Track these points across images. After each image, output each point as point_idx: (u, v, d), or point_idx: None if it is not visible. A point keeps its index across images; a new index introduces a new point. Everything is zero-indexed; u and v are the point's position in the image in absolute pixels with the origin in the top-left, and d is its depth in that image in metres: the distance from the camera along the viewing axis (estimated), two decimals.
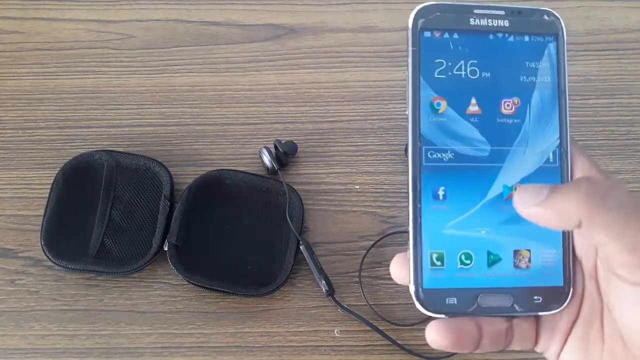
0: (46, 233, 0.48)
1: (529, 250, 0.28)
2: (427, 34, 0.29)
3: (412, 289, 0.28)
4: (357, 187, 0.52)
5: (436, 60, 0.29)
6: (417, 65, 0.28)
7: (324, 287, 0.47)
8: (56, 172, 0.50)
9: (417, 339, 0.47)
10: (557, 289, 0.28)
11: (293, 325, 0.48)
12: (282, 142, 0.51)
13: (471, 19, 0.29)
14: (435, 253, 0.28)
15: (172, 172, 0.51)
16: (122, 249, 0.49)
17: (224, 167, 0.51)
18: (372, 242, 0.50)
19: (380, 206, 0.51)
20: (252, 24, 0.59)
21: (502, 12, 0.29)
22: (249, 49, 0.58)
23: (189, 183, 0.50)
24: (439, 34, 0.29)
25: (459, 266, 0.28)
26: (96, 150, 0.51)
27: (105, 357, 0.47)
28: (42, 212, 0.49)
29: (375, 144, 0.54)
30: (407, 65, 0.28)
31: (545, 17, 0.30)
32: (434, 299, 0.28)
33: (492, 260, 0.28)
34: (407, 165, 0.28)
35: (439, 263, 0.28)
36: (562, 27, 0.30)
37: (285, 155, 0.51)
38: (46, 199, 0.49)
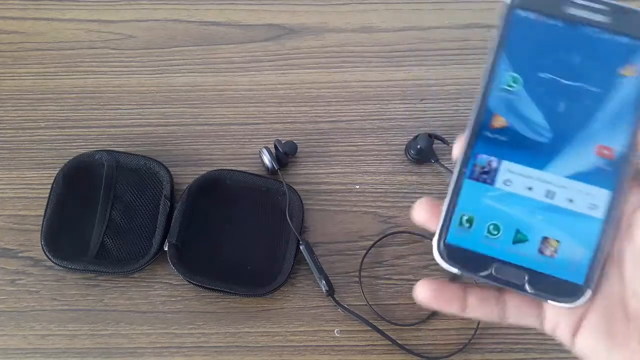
0: (46, 233, 0.48)
1: (558, 241, 0.28)
2: (520, 11, 0.30)
3: (435, 238, 0.29)
4: (357, 187, 0.52)
5: (522, 39, 0.29)
6: (503, 38, 0.29)
7: (324, 287, 0.47)
8: (56, 172, 0.50)
9: (417, 339, 0.47)
10: (576, 286, 0.28)
11: (293, 325, 0.48)
12: (282, 142, 0.51)
13: (569, 8, 0.29)
14: (466, 215, 0.29)
15: (172, 172, 0.51)
16: (122, 249, 0.49)
17: (224, 167, 0.51)
18: (372, 242, 0.50)
19: (380, 206, 0.51)
20: (252, 24, 0.59)
21: (604, 7, 0.28)
22: (249, 49, 0.58)
23: (189, 183, 0.50)
24: (532, 14, 0.29)
25: (485, 234, 0.29)
26: (96, 150, 0.51)
27: (105, 357, 0.47)
28: (42, 212, 0.49)
29: (375, 144, 0.54)
30: (495, 37, 0.29)
31: None
32: (452, 254, 0.29)
33: (519, 238, 0.29)
34: (466, 129, 0.29)
35: (467, 225, 0.29)
36: None
37: (285, 155, 0.51)
38: (46, 199, 0.49)
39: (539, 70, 0.29)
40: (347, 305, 0.47)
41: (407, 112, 0.55)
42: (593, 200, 0.29)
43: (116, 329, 0.47)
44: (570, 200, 0.29)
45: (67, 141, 0.54)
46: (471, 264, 0.29)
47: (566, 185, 0.29)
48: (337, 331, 0.47)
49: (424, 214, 0.29)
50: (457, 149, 0.29)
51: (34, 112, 0.55)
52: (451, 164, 0.53)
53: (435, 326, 0.47)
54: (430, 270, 0.49)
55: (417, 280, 0.52)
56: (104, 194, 0.50)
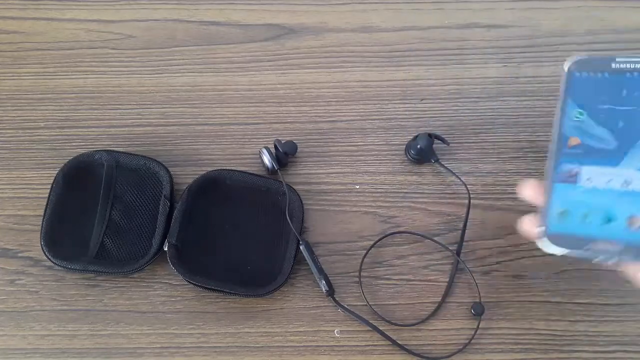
0: (46, 233, 0.48)
1: None
2: (576, 73, 0.42)
3: (539, 231, 0.38)
4: (357, 187, 0.52)
5: (580, 86, 0.41)
6: (567, 87, 0.41)
7: (324, 287, 0.47)
8: (56, 172, 0.50)
9: (417, 339, 0.47)
10: None
11: (293, 325, 0.48)
12: (282, 142, 0.51)
13: (613, 64, 0.41)
14: (561, 209, 0.38)
15: (172, 172, 0.51)
16: (122, 249, 0.49)
17: (224, 167, 0.51)
18: (372, 242, 0.49)
19: (380, 206, 0.51)
20: (252, 24, 0.59)
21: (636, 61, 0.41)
22: (249, 49, 0.58)
23: (189, 183, 0.50)
24: (584, 72, 0.42)
25: (579, 220, 0.38)
26: (96, 150, 0.51)
27: (105, 357, 0.47)
28: (42, 212, 0.49)
29: (375, 144, 0.54)
30: (561, 87, 0.41)
31: None
32: (556, 240, 0.37)
33: (607, 219, 0.37)
34: (549, 148, 0.40)
35: (563, 216, 0.38)
36: None
37: (285, 155, 0.51)
38: (46, 199, 0.49)
39: (598, 104, 0.41)
40: (347, 305, 0.47)
41: (407, 112, 0.55)
42: None
43: (116, 329, 0.47)
44: None
45: (67, 141, 0.54)
46: (573, 245, 0.37)
47: (639, 175, 0.38)
48: (337, 331, 0.47)
49: (530, 192, 0.39)
50: (525, 190, 0.40)
51: (33, 112, 0.55)
52: (451, 163, 0.53)
53: (435, 326, 0.47)
54: (431, 270, 0.49)
55: (417, 280, 0.52)
56: (103, 194, 0.50)
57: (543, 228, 0.38)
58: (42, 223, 0.48)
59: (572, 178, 0.39)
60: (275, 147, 0.51)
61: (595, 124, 0.41)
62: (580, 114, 0.41)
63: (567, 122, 0.41)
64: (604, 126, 0.41)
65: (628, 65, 0.41)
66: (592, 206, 0.38)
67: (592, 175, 0.39)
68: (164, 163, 0.51)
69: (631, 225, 0.37)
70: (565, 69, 0.43)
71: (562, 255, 0.38)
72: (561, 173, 0.40)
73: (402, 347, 0.46)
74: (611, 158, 0.39)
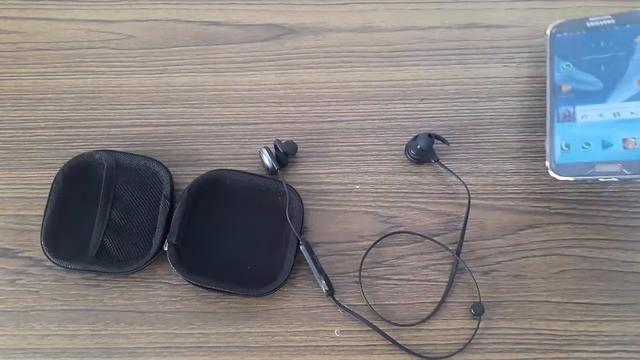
0: (46, 233, 0.48)
1: (634, 138, 0.45)
2: (559, 34, 0.53)
3: (547, 163, 0.47)
4: (357, 187, 0.52)
5: (564, 44, 0.53)
6: (552, 47, 0.53)
7: (324, 287, 0.47)
8: (56, 172, 0.50)
9: (417, 339, 0.47)
10: None
11: (293, 325, 0.48)
12: (282, 142, 0.51)
13: (588, 24, 0.52)
14: (563, 142, 0.48)
15: (172, 172, 0.51)
16: (122, 249, 0.49)
17: (224, 167, 0.51)
18: (372, 242, 0.49)
19: (380, 206, 0.51)
20: (252, 24, 0.59)
21: (610, 18, 0.52)
22: (249, 49, 0.58)
23: (189, 183, 0.50)
24: (564, 33, 0.53)
25: (581, 150, 0.46)
26: (96, 150, 0.51)
27: (105, 357, 0.47)
28: (42, 212, 0.49)
29: (375, 144, 0.54)
30: (547, 48, 0.53)
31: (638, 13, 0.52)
32: (563, 169, 0.46)
33: (606, 145, 0.46)
34: (546, 97, 0.50)
35: (566, 148, 0.47)
36: None
37: (285, 155, 0.51)
38: (46, 199, 0.49)
39: (581, 56, 0.51)
40: (347, 305, 0.47)
41: (407, 112, 0.55)
42: None
43: (116, 329, 0.47)
44: (632, 112, 0.47)
45: (67, 141, 0.54)
46: (578, 171, 0.46)
47: (625, 105, 0.47)
48: (337, 331, 0.47)
49: None
50: None
51: (33, 112, 0.55)
52: (451, 163, 0.53)
53: (435, 326, 0.47)
54: (430, 270, 0.49)
55: (417, 280, 0.52)
56: (103, 194, 0.50)
57: (550, 161, 0.47)
58: (42, 223, 0.48)
59: (569, 117, 0.48)
60: (275, 147, 0.51)
61: (582, 72, 0.50)
62: (567, 65, 0.51)
63: (557, 74, 0.51)
64: (589, 72, 0.50)
65: (600, 23, 0.52)
66: (591, 137, 0.47)
67: (586, 113, 0.48)
68: (164, 163, 0.51)
69: (627, 145, 0.46)
70: (548, 32, 0.54)
71: (573, 181, 0.49)
72: (559, 115, 0.49)
73: (402, 347, 0.46)
74: (600, 96, 0.48)
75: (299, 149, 0.52)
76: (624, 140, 0.46)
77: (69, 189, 0.49)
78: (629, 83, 0.49)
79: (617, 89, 0.48)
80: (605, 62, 0.50)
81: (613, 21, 0.52)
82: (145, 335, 0.47)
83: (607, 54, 0.50)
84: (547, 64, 0.52)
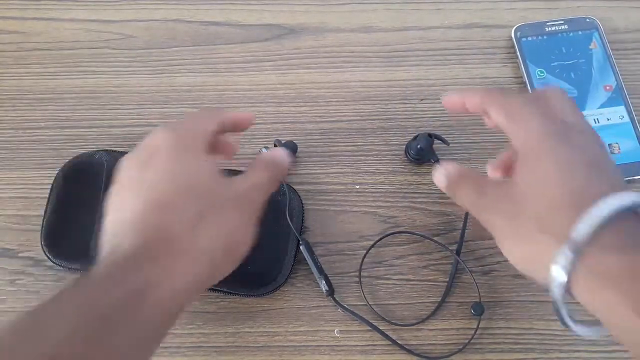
0: (46, 233, 0.48)
1: (617, 143, 0.48)
2: (524, 39, 0.54)
3: None
4: (357, 187, 0.52)
5: (533, 50, 0.54)
6: (522, 53, 0.54)
7: (324, 287, 0.47)
8: (56, 172, 0.50)
9: (417, 339, 0.47)
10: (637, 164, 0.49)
11: (293, 325, 0.48)
12: (282, 142, 0.51)
13: (546, 28, 0.54)
14: None
15: None
16: None
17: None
18: (372, 242, 0.49)
19: (380, 206, 0.51)
20: (252, 24, 0.59)
21: (563, 23, 0.54)
22: (249, 49, 0.58)
23: None
24: (530, 37, 0.55)
25: None
26: (96, 150, 0.51)
27: None
28: (42, 212, 0.49)
29: (375, 144, 0.54)
30: (518, 56, 0.54)
31: (587, 20, 0.55)
32: None
33: None
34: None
35: None
36: (599, 24, 0.55)
37: None
38: (46, 199, 0.49)
39: (549, 62, 0.53)
40: (347, 305, 0.47)
41: (407, 112, 0.55)
42: (619, 113, 0.50)
43: None
44: (608, 119, 0.49)
45: (67, 141, 0.54)
46: None
47: (600, 112, 0.49)
48: (337, 331, 0.47)
49: (452, 101, 0.41)
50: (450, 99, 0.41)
51: (33, 112, 0.55)
52: None
53: (435, 326, 0.47)
54: (430, 270, 0.49)
55: (417, 280, 0.52)
56: (104, 194, 0.50)
57: None
58: (43, 223, 0.48)
59: None
60: (275, 147, 0.51)
61: (556, 79, 0.51)
62: (541, 72, 0.52)
63: (534, 80, 0.52)
64: (561, 79, 0.51)
65: (556, 27, 0.53)
66: None
67: None
68: None
69: (612, 151, 0.48)
70: (512, 36, 0.55)
71: None
72: None
73: (402, 347, 0.46)
74: (578, 103, 0.46)
75: (299, 149, 0.52)
76: (609, 145, 0.48)
77: (69, 189, 0.49)
78: (597, 90, 0.50)
79: (590, 96, 0.50)
80: (572, 68, 0.51)
81: (566, 26, 0.53)
82: None
83: (571, 61, 0.51)
84: (522, 69, 0.52)
